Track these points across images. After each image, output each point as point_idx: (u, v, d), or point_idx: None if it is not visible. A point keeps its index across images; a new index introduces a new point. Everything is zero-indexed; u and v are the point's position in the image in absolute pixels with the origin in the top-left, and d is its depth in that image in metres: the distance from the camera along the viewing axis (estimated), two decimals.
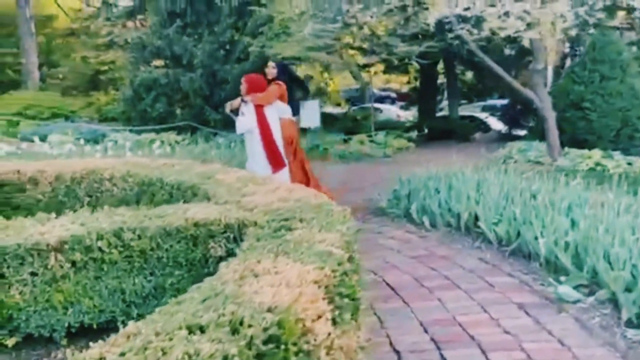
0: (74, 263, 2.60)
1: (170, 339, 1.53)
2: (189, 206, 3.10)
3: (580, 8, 6.59)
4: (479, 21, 6.81)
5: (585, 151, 8.88)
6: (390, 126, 15.74)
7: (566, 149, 9.13)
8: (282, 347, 1.59)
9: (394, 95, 29.77)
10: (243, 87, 5.67)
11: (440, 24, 6.88)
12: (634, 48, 12.77)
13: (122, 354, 1.39)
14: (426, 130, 16.41)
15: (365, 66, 16.43)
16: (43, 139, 8.70)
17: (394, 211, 5.70)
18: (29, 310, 2.57)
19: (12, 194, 4.66)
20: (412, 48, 10.81)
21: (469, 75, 22.25)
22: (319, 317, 1.84)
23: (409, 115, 21.60)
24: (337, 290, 1.99)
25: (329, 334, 1.84)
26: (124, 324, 1.70)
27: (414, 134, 17.19)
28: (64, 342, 2.62)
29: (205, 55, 12.75)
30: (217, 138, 11.24)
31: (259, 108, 5.59)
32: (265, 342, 1.56)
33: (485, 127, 17.96)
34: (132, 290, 2.71)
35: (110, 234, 2.65)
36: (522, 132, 15.08)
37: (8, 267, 2.51)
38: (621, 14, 10.28)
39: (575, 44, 15.19)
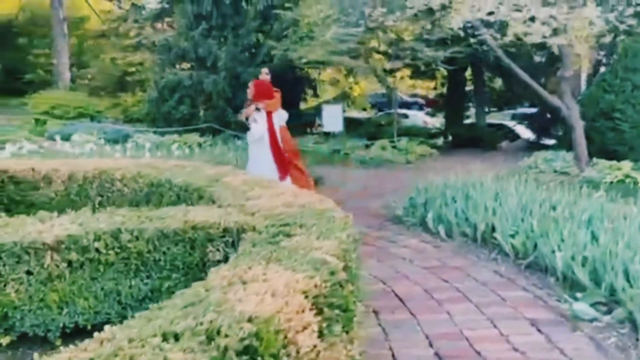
0: (70, 263, 2.57)
1: (143, 346, 1.47)
2: (191, 209, 3.06)
3: (610, 14, 6.35)
4: (503, 26, 6.64)
5: (615, 162, 8.57)
6: (414, 132, 15.54)
7: (594, 159, 8.83)
8: (258, 358, 1.51)
9: (422, 101, 29.48)
10: (250, 92, 5.68)
11: (464, 29, 6.74)
12: None
13: None
14: (450, 138, 16.15)
15: (391, 71, 16.30)
16: (68, 138, 8.83)
17: (410, 219, 5.58)
18: (24, 309, 2.55)
19: (27, 191, 4.70)
20: (437, 53, 10.65)
21: (499, 82, 21.88)
22: (305, 328, 1.76)
23: (436, 121, 21.29)
24: (327, 301, 1.91)
25: (314, 347, 1.75)
26: None
27: (439, 140, 16.98)
28: (59, 342, 2.58)
29: (228, 58, 12.81)
30: (236, 140, 11.27)
31: (268, 115, 5.65)
32: (240, 354, 1.48)
33: (513, 136, 17.60)
34: (128, 293, 2.67)
35: (107, 235, 2.61)
36: (551, 141, 14.73)
37: (4, 265, 2.49)
38: None
39: (608, 51, 14.79)
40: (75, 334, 2.63)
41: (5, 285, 2.50)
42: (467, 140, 15.61)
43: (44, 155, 7.38)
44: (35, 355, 1.61)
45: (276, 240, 2.39)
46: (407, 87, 28.34)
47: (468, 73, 18.54)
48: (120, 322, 1.70)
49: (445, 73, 18.73)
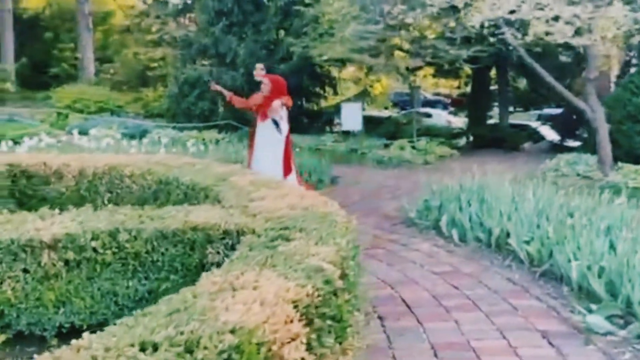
0: (66, 262, 2.54)
1: (118, 356, 1.42)
2: (192, 209, 3.01)
3: (639, 13, 6.12)
4: (523, 25, 6.45)
5: None
6: (435, 132, 15.32)
7: (619, 163, 8.57)
8: None
9: (446, 100, 29.13)
10: (266, 88, 5.55)
11: (486, 27, 6.56)
12: None
13: None
14: (471, 138, 15.90)
15: (414, 69, 16.11)
16: (86, 132, 8.90)
17: (423, 222, 5.46)
18: (20, 307, 2.53)
19: (39, 185, 4.72)
20: (459, 52, 10.45)
21: (524, 82, 21.48)
22: (292, 340, 1.68)
23: (461, 121, 20.94)
24: (319, 311, 1.83)
25: None
26: None
27: (461, 141, 16.73)
28: (54, 341, 2.56)
29: (247, 54, 12.79)
30: None
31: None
32: None
33: (537, 137, 17.25)
34: (125, 294, 2.63)
35: (105, 234, 2.58)
36: (576, 143, 14.39)
37: (1, 263, 2.48)
38: None
39: (637, 52, 14.37)
40: (72, 333, 2.61)
41: (1, 283, 2.48)
42: (489, 140, 15.35)
43: (60, 149, 7.44)
44: None
45: (274, 244, 2.32)
46: (430, 85, 28.05)
47: (493, 72, 18.23)
48: (116, 324, 1.66)
49: (469, 72, 18.46)
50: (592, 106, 8.19)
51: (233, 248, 2.67)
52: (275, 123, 5.73)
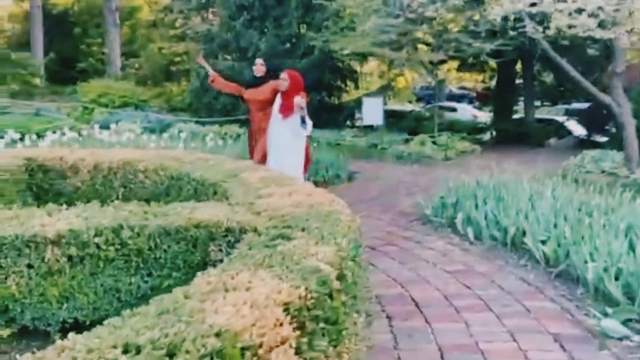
0: (70, 257, 2.55)
1: (99, 358, 1.41)
2: (199, 205, 2.99)
3: None
4: (545, 18, 6.26)
5: None
6: (457, 127, 15.10)
7: None
8: None
9: (472, 94, 28.71)
10: (285, 84, 5.38)
11: (509, 20, 6.39)
12: None
13: None
14: (494, 133, 15.62)
15: (437, 63, 15.87)
16: (107, 126, 9.01)
17: (439, 220, 5.37)
18: (24, 302, 2.55)
19: (55, 180, 4.77)
20: (482, 45, 10.24)
21: (551, 76, 21.01)
22: (282, 343, 1.65)
23: (486, 116, 20.58)
24: (311, 314, 1.79)
25: None
26: None
27: (485, 136, 16.45)
28: (57, 336, 2.57)
29: (268, 49, 12.77)
30: None
31: None
32: None
33: (564, 132, 16.86)
34: (128, 290, 2.63)
35: (108, 230, 2.58)
36: (604, 139, 14.01)
37: (5, 258, 2.50)
38: None
39: None
40: (75, 328, 2.63)
41: (6, 278, 2.51)
42: (514, 136, 15.07)
43: (82, 143, 7.55)
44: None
45: (274, 243, 2.29)
46: (455, 79, 27.68)
47: (518, 66, 17.87)
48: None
49: (494, 66, 18.13)
50: (619, 101, 7.94)
51: (235, 246, 2.66)
52: (303, 120, 5.60)
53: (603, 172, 8.24)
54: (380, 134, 12.21)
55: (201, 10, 16.42)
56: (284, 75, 5.43)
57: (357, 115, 15.03)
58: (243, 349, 1.49)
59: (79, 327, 2.60)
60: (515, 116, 18.25)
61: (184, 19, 16.94)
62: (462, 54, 12.41)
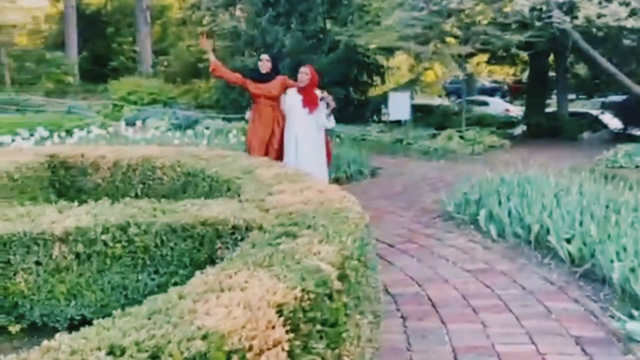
0: (77, 255, 2.56)
1: None
2: (208, 202, 2.97)
3: None
4: (573, 8, 6.03)
5: None
6: (487, 121, 14.78)
7: None
8: None
9: (505, 87, 28.10)
10: (305, 78, 5.34)
11: (534, 11, 6.17)
12: None
13: None
14: (525, 127, 15.24)
15: (466, 56, 15.55)
16: (133, 123, 9.14)
17: (462, 217, 5.24)
18: (33, 299, 2.57)
19: (77, 177, 4.83)
20: (510, 37, 9.98)
21: (585, 68, 20.36)
22: (274, 346, 1.60)
23: (519, 109, 20.08)
24: (307, 316, 1.73)
25: None
26: None
27: (516, 130, 16.07)
28: (66, 333, 2.58)
29: (294, 44, 12.72)
30: None
31: None
32: None
33: (599, 125, 16.33)
34: (135, 287, 2.62)
35: (115, 228, 2.58)
36: None
37: (15, 255, 2.52)
38: None
39: None
40: (83, 325, 2.64)
41: (15, 275, 2.53)
42: (546, 130, 14.68)
43: (107, 140, 7.65)
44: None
45: (277, 242, 2.24)
46: (486, 73, 27.14)
47: (551, 58, 17.37)
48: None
49: (526, 58, 17.68)
50: None
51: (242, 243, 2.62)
52: (329, 114, 5.58)
53: (637, 167, 7.93)
54: (407, 129, 12.03)
55: (228, 7, 16.50)
56: (305, 69, 5.39)
57: (383, 110, 14.87)
58: (230, 352, 1.45)
59: (86, 324, 2.61)
60: (549, 110, 17.77)
61: (211, 16, 17.07)
62: (491, 46, 12.13)
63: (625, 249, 3.44)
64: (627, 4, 5.34)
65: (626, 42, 12.93)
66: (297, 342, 1.66)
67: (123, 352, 1.41)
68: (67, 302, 2.58)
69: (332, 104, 5.38)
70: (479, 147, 10.83)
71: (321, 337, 1.79)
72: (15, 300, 2.56)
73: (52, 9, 28.55)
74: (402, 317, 3.25)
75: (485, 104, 20.16)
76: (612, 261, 3.40)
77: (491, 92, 26.23)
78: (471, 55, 15.74)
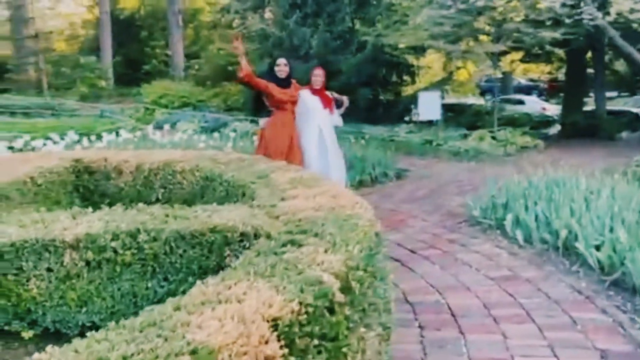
0: (87, 262, 2.56)
1: None
2: (220, 208, 2.94)
3: None
4: (605, 3, 5.78)
5: None
6: (521, 121, 14.41)
7: None
8: None
9: (542, 86, 27.41)
10: (319, 80, 5.42)
11: (564, 6, 5.95)
12: None
13: None
14: (559, 127, 14.79)
15: (499, 54, 15.19)
16: (161, 127, 9.26)
17: (488, 221, 5.09)
18: (45, 305, 2.59)
19: (100, 181, 4.89)
20: (543, 34, 9.69)
21: (625, 65, 19.65)
22: None
23: (556, 108, 19.50)
24: (304, 330, 1.67)
25: None
26: None
27: (551, 129, 15.63)
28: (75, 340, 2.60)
29: (321, 45, 12.67)
30: None
31: None
32: None
33: (639, 124, 15.73)
34: (145, 295, 2.61)
35: (125, 235, 2.57)
36: None
37: (27, 261, 2.54)
38: None
39: None
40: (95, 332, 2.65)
41: (27, 281, 2.55)
42: (583, 129, 14.22)
43: (136, 144, 7.76)
44: None
45: (282, 250, 2.18)
46: (522, 71, 26.54)
47: (589, 55, 16.82)
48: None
49: (562, 56, 17.19)
50: None
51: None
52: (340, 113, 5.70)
53: None
54: (437, 129, 11.82)
55: (257, 9, 16.58)
56: (319, 71, 5.52)
57: (413, 110, 14.68)
58: None
59: (97, 331, 2.62)
60: (587, 108, 17.24)
61: (240, 19, 17.20)
62: (524, 44, 11.83)
63: None
64: None
65: None
66: (292, 358, 1.60)
67: None
68: (77, 309, 2.59)
69: (346, 102, 5.51)
70: (511, 148, 10.56)
71: (319, 352, 1.73)
72: (28, 306, 2.59)
73: (89, 14, 29.34)
74: (419, 326, 3.16)
75: (521, 102, 19.69)
76: None
77: (528, 90, 25.64)
78: (504, 53, 15.40)
